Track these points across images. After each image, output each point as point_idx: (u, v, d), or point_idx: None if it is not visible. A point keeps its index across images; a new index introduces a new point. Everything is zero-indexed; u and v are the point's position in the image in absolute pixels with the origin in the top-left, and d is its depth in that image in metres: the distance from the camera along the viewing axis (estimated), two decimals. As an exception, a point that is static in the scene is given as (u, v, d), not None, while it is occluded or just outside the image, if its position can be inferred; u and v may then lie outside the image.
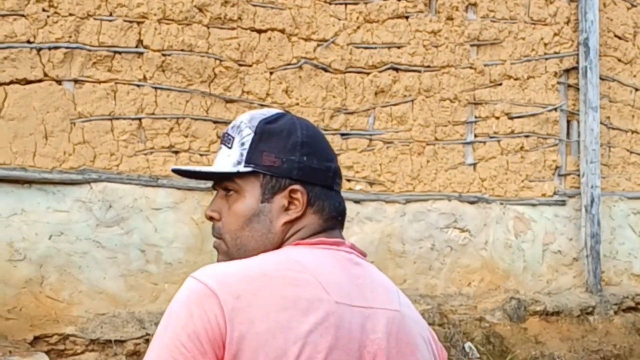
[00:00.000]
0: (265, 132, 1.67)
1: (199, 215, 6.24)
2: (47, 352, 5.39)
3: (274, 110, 1.73)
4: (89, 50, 6.03)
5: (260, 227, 1.66)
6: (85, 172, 5.94)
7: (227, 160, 1.69)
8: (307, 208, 1.67)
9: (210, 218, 1.73)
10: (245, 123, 1.69)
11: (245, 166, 1.66)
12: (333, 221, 1.71)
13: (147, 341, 5.81)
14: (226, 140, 1.72)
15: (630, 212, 8.67)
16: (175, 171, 1.79)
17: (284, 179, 1.66)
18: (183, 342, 1.46)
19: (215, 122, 6.44)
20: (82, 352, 5.59)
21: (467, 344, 6.97)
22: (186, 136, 6.33)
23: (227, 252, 1.69)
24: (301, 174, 1.66)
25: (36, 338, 5.51)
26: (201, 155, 6.35)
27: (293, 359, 1.48)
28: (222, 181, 1.71)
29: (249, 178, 1.67)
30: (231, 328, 1.46)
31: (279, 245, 1.66)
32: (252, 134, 1.67)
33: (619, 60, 8.70)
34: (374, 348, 1.60)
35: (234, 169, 1.67)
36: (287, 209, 1.66)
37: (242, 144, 1.67)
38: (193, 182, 6.21)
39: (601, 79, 8.37)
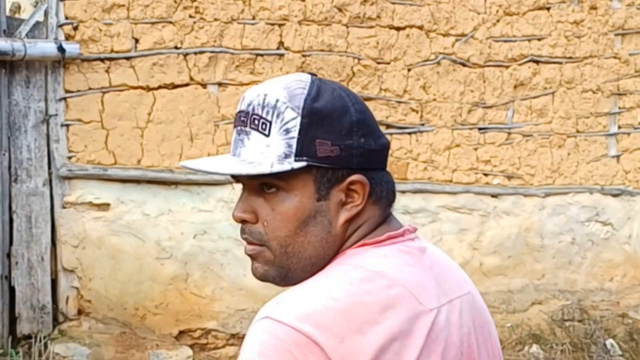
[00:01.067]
0: (315, 113, 1.37)
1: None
2: (191, 346, 5.71)
3: (300, 78, 1.42)
4: (232, 54, 6.26)
5: (318, 230, 1.39)
6: (228, 172, 6.19)
7: (268, 151, 1.37)
8: (367, 199, 1.41)
9: (243, 221, 1.43)
10: (284, 102, 1.37)
11: (296, 160, 1.36)
12: (389, 207, 1.46)
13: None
14: (257, 124, 1.38)
15: None
16: (186, 166, 1.46)
17: (342, 170, 1.38)
18: None
19: (353, 120, 6.56)
20: (223, 346, 5.89)
21: (609, 341, 6.90)
22: (325, 135, 6.48)
23: (274, 262, 1.43)
24: (361, 160, 1.39)
25: (181, 332, 5.85)
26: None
27: None
28: (254, 176, 1.39)
29: (298, 172, 1.37)
30: None
31: (339, 248, 1.41)
32: (299, 117, 1.36)
33: None
34: (465, 347, 1.41)
35: (284, 166, 1.36)
36: (344, 204, 1.40)
37: (287, 131, 1.36)
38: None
39: None
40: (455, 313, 1.40)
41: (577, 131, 7.31)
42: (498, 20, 7.07)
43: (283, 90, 1.38)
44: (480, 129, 7.00)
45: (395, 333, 1.29)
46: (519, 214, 7.08)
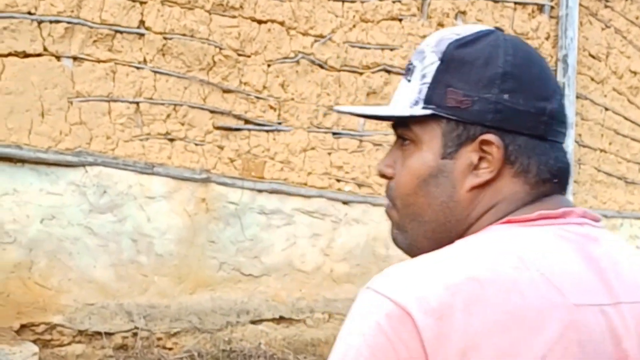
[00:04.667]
0: (454, 59, 1.22)
1: (192, 207, 5.99)
2: (34, 342, 5.07)
3: (478, 28, 1.26)
4: (90, 27, 5.73)
5: (438, 192, 1.23)
6: (81, 154, 5.63)
7: (404, 98, 1.26)
8: (504, 168, 1.21)
9: (382, 175, 1.32)
10: (430, 47, 1.24)
11: (423, 107, 1.22)
12: (546, 186, 1.23)
13: (135, 335, 5.54)
14: (407, 70, 1.28)
15: (595, 230, 8.73)
16: (339, 110, 1.38)
17: (473, 126, 1.20)
18: None
19: (212, 111, 6.20)
20: (69, 344, 5.29)
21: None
22: (182, 124, 6.07)
23: (399, 224, 1.30)
24: (498, 118, 1.19)
25: (22, 326, 5.18)
26: (196, 145, 6.10)
27: None
28: (397, 126, 1.28)
29: (428, 123, 1.23)
30: None
31: (464, 219, 1.23)
32: (437, 62, 1.23)
33: (592, 79, 8.77)
34: None
35: (407, 112, 1.23)
36: (475, 167, 1.22)
37: (423, 76, 1.23)
38: (188, 172, 5.96)
39: (575, 97, 8.41)
40: (618, 318, 1.15)
41: (422, 144, 7.31)
42: (354, 26, 6.97)
43: (439, 36, 1.26)
44: (334, 133, 6.84)
45: (512, 322, 1.06)
46: (367, 223, 6.96)
